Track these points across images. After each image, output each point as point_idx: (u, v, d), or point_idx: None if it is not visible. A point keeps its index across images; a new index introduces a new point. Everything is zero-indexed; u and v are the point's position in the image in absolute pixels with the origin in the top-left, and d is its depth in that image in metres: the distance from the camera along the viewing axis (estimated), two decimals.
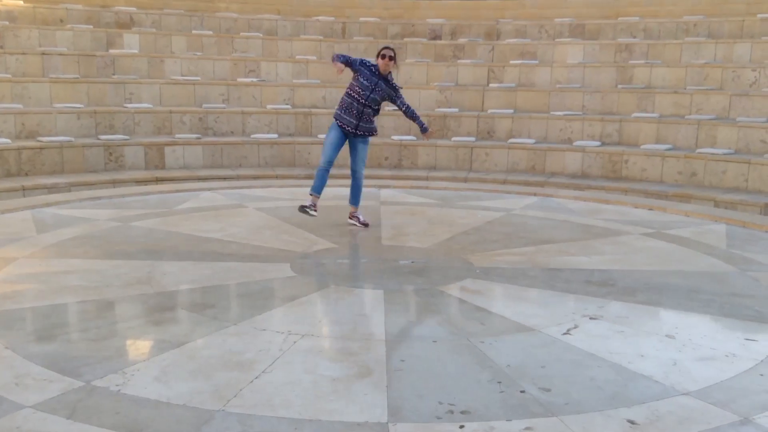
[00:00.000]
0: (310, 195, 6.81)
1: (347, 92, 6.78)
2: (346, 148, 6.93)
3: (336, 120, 6.82)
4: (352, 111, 6.71)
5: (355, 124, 6.72)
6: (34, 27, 11.77)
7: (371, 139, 7.07)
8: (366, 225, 6.86)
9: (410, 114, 6.85)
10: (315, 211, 6.77)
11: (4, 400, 3.28)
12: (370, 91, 6.67)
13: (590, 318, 4.57)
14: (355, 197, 6.94)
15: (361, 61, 6.75)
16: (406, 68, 12.73)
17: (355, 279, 5.41)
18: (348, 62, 6.74)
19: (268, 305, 4.80)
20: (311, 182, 6.91)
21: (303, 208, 6.75)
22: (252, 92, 11.90)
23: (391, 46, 6.84)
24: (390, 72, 6.78)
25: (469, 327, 4.43)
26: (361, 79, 6.69)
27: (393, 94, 6.77)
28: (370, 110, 6.74)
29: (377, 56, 6.71)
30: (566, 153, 10.56)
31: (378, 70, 6.70)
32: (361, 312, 4.72)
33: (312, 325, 4.45)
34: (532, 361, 3.88)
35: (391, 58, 6.65)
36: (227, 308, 4.78)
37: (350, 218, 6.94)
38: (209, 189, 8.83)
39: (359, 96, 6.68)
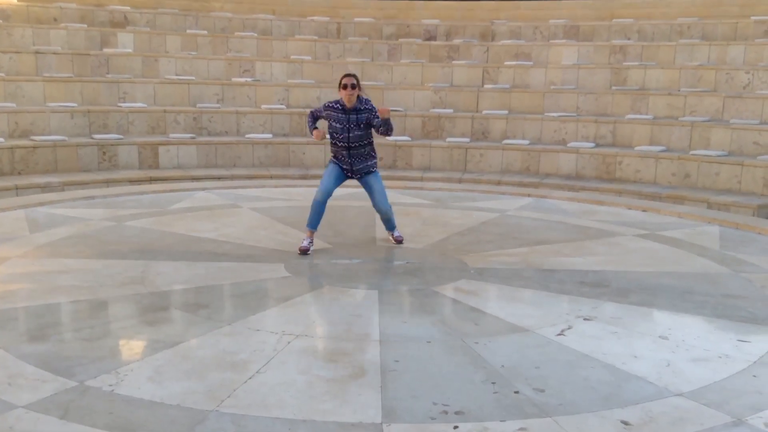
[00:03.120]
0: (307, 230, 6.18)
1: (330, 139, 6.24)
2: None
3: (332, 159, 6.34)
4: (342, 157, 6.20)
5: (349, 169, 6.22)
6: (28, 26, 11.73)
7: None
8: (399, 241, 6.39)
9: (386, 128, 6.07)
10: (312, 242, 6.13)
11: None
12: (348, 131, 6.08)
13: (584, 319, 4.58)
14: (388, 225, 6.44)
15: (325, 105, 6.23)
16: (401, 69, 12.73)
17: (350, 279, 5.41)
18: (315, 118, 6.34)
19: (263, 305, 4.80)
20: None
21: (301, 251, 6.00)
22: (246, 92, 11.88)
23: (352, 72, 6.24)
24: (359, 96, 6.11)
25: (464, 327, 4.43)
26: (334, 123, 6.14)
27: (371, 117, 6.09)
28: (358, 149, 6.16)
29: (339, 87, 6.10)
30: (560, 154, 10.57)
31: (343, 104, 6.09)
32: (355, 312, 4.72)
33: (306, 325, 4.44)
34: (526, 362, 3.88)
35: (354, 87, 6.01)
36: (221, 308, 4.78)
37: (397, 243, 6.40)
38: (203, 189, 8.82)
39: (339, 140, 6.13)
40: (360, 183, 6.36)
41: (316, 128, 6.30)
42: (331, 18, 14.17)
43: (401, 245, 6.35)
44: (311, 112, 6.42)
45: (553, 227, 7.23)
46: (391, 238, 6.45)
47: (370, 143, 6.24)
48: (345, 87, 6.03)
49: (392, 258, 6.01)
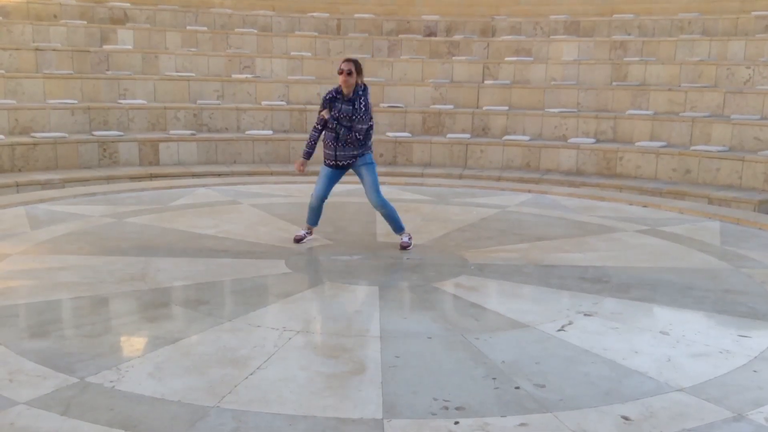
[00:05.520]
0: (306, 225, 6.23)
1: (330, 123, 5.94)
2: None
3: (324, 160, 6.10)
4: (329, 143, 5.92)
5: (333, 156, 5.92)
6: (28, 22, 11.71)
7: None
8: (405, 247, 6.04)
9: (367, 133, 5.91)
10: (311, 234, 6.22)
11: None
12: (336, 120, 5.83)
13: (584, 314, 4.58)
14: (392, 225, 6.14)
15: (329, 97, 5.90)
16: (401, 65, 12.72)
17: (350, 275, 5.41)
18: (321, 129, 5.96)
19: (263, 301, 4.80)
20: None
21: (297, 240, 6.13)
22: (247, 88, 11.87)
23: (353, 58, 5.89)
24: (360, 84, 5.85)
25: (464, 323, 4.43)
26: (338, 106, 5.87)
27: (362, 113, 5.82)
28: (345, 134, 5.84)
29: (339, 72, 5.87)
30: (561, 150, 10.56)
31: (340, 92, 5.86)
32: (355, 308, 4.72)
33: (307, 321, 4.45)
34: (526, 358, 3.88)
35: (349, 73, 5.74)
36: (222, 304, 4.78)
37: (401, 249, 6.05)
38: (204, 185, 8.81)
39: (331, 125, 5.88)
40: (357, 175, 6.09)
41: (309, 153, 6.04)
42: (331, 14, 14.15)
43: (399, 242, 6.31)
44: (320, 120, 5.93)
45: (554, 223, 7.23)
46: (404, 249, 6.05)
47: (361, 134, 5.87)
48: (341, 72, 5.80)
49: (392, 254, 6.01)
